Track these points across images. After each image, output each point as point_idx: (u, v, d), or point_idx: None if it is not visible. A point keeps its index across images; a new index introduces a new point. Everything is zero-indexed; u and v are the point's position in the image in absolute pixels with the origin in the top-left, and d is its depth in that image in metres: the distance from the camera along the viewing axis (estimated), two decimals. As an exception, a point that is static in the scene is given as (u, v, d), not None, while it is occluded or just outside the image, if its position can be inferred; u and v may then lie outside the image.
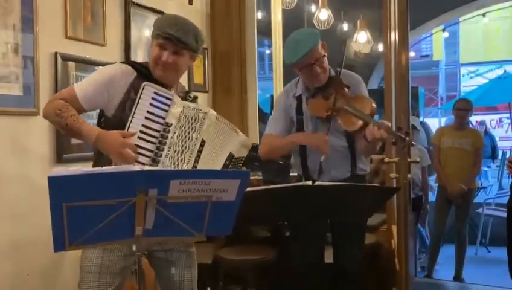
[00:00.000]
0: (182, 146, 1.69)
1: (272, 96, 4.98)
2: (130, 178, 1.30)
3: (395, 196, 2.82)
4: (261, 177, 3.10)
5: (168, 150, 1.67)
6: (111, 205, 1.29)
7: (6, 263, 2.18)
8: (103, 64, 2.37)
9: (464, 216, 4.25)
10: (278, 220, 2.42)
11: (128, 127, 1.65)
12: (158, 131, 1.67)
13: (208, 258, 2.83)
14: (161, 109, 1.68)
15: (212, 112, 1.76)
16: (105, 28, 2.74)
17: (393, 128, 2.05)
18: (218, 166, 1.75)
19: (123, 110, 1.72)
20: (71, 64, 2.51)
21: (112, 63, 1.92)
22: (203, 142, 1.71)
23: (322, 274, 2.28)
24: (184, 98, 1.83)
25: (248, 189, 1.46)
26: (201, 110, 1.73)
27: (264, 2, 4.63)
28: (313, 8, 5.48)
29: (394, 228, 3.07)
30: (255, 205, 1.75)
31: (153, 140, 1.67)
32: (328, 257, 2.38)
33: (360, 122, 2.04)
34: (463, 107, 4.19)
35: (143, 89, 1.66)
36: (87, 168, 1.34)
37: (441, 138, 4.23)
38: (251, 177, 2.86)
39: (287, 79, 4.15)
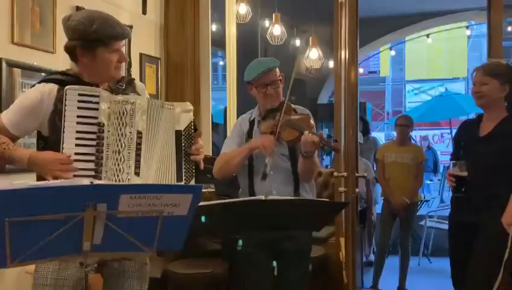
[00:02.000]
0: (118, 144, 1.64)
1: (225, 109, 4.99)
2: (78, 192, 1.27)
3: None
4: (213, 190, 3.09)
5: (107, 151, 1.63)
6: (58, 220, 1.25)
7: None
8: (52, 72, 2.29)
9: (408, 229, 4.41)
10: (230, 234, 2.43)
11: (63, 138, 1.60)
12: (94, 133, 1.63)
13: (157, 272, 2.78)
14: (90, 108, 1.63)
15: (142, 99, 1.70)
16: (55, 35, 2.67)
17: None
18: (170, 152, 1.72)
19: (54, 125, 1.66)
20: (17, 70, 2.42)
21: (61, 71, 1.85)
22: (139, 133, 1.65)
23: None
24: (116, 89, 1.75)
25: (201, 203, 1.46)
26: (127, 101, 1.66)
27: (219, 15, 4.66)
28: (266, 23, 5.57)
29: (342, 241, 3.15)
30: (207, 218, 1.75)
31: (92, 143, 1.62)
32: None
33: (296, 132, 2.19)
34: (404, 123, 4.38)
35: (66, 94, 1.61)
36: (32, 181, 1.29)
37: (384, 154, 4.40)
38: (204, 190, 2.84)
39: (240, 90, 4.19)
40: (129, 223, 1.35)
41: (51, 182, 1.28)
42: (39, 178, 1.69)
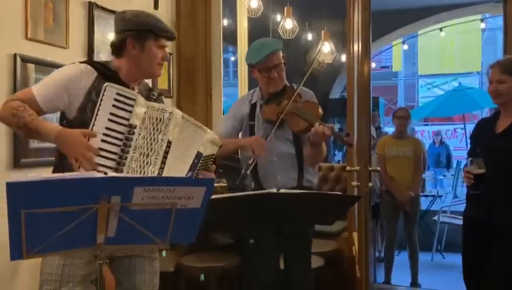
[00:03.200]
0: (148, 148, 1.64)
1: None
2: (92, 185, 1.27)
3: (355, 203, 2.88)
4: (225, 184, 3.09)
5: (134, 153, 1.62)
6: (72, 212, 1.26)
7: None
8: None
9: (413, 223, 4.38)
10: (241, 228, 2.43)
11: (91, 130, 1.59)
12: (122, 133, 1.61)
13: (170, 266, 2.80)
14: (124, 110, 1.61)
15: (178, 112, 1.72)
16: (68, 30, 2.68)
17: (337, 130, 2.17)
18: (187, 165, 1.72)
19: (84, 112, 1.66)
20: (31, 66, 2.44)
21: (102, 61, 1.86)
22: (169, 143, 1.67)
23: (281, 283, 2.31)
24: (147, 97, 1.79)
25: (213, 196, 1.46)
26: (166, 110, 1.68)
27: (230, 10, 4.65)
28: (278, 17, 5.54)
29: (355, 235, 3.14)
30: (218, 212, 1.75)
31: (118, 142, 1.61)
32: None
33: (306, 123, 2.14)
34: (403, 115, 4.37)
35: (104, 90, 1.59)
36: (46, 174, 1.30)
37: (385, 148, 4.37)
38: (216, 184, 2.85)
39: (251, 86, 4.19)
40: (143, 216, 1.35)
41: (66, 175, 1.28)
42: (55, 172, 1.71)
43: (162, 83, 3.61)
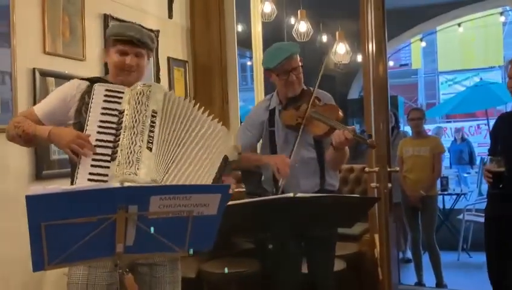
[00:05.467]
0: (134, 121, 1.71)
1: (253, 108, 5.00)
2: (109, 195, 1.29)
3: (376, 204, 2.85)
4: (243, 189, 3.09)
5: (124, 132, 1.69)
6: (91, 223, 1.28)
7: (-15, 283, 2.14)
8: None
9: (430, 224, 4.29)
10: (260, 233, 2.43)
11: (86, 125, 1.69)
12: (114, 122, 1.71)
13: (191, 272, 2.81)
14: (115, 102, 1.73)
15: (160, 85, 1.83)
16: (84, 43, 2.73)
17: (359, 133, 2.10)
18: (211, 166, 1.76)
19: (80, 114, 1.76)
20: (50, 79, 2.50)
21: (92, 77, 1.93)
22: (154, 112, 1.74)
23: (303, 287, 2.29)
24: None
25: (231, 202, 1.46)
26: (144, 84, 1.78)
27: (244, 15, 4.67)
28: (292, 20, 5.54)
29: (376, 237, 3.10)
30: (237, 218, 1.75)
31: (112, 131, 1.70)
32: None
33: (327, 127, 2.12)
34: (416, 117, 4.35)
35: (94, 89, 1.73)
36: (65, 185, 1.32)
37: (402, 149, 4.33)
38: (235, 190, 2.85)
39: (267, 90, 4.19)
40: (160, 224, 1.36)
41: (84, 186, 1.31)
42: (73, 182, 1.74)
43: (179, 90, 3.65)
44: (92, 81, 1.83)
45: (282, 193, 2.27)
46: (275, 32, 5.22)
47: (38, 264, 1.27)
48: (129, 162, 1.65)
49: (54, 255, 1.28)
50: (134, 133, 1.69)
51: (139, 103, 1.74)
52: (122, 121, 1.70)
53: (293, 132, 2.24)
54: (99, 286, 1.70)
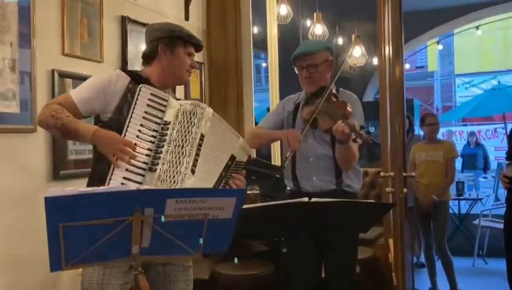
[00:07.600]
0: (182, 140, 1.70)
1: (268, 109, 5.01)
2: (126, 197, 1.31)
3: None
4: (258, 192, 3.10)
5: (169, 146, 1.68)
6: (107, 225, 1.29)
7: (4, 280, 2.17)
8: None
9: (441, 229, 4.23)
10: (275, 236, 2.44)
11: (127, 127, 1.67)
12: (156, 131, 1.69)
13: (204, 274, 2.82)
14: (158, 109, 1.71)
15: (209, 109, 1.80)
16: (102, 45, 2.76)
17: (357, 128, 2.07)
18: (221, 165, 1.77)
19: (121, 112, 1.73)
20: (68, 80, 2.53)
21: (132, 72, 1.94)
22: (202, 136, 1.74)
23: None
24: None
25: (244, 206, 1.47)
26: (199, 105, 1.78)
27: (260, 17, 4.67)
28: (308, 22, 5.53)
29: (391, 242, 3.07)
30: (252, 220, 1.75)
31: (152, 139, 1.69)
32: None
33: (332, 122, 2.14)
34: (431, 122, 4.32)
35: (140, 90, 1.70)
36: (83, 188, 1.34)
37: (415, 153, 4.31)
38: (249, 192, 2.86)
39: (282, 91, 4.19)
40: (175, 227, 1.37)
41: (101, 188, 1.32)
42: (91, 179, 1.77)
43: (194, 92, 3.67)
44: (133, 77, 1.81)
45: (295, 179, 2.33)
46: (290, 34, 5.22)
47: (56, 264, 1.29)
48: (174, 182, 1.66)
49: (71, 256, 1.29)
50: (182, 153, 1.69)
51: (190, 124, 1.73)
52: (166, 134, 1.69)
53: (309, 127, 2.30)
54: (114, 286, 1.72)
